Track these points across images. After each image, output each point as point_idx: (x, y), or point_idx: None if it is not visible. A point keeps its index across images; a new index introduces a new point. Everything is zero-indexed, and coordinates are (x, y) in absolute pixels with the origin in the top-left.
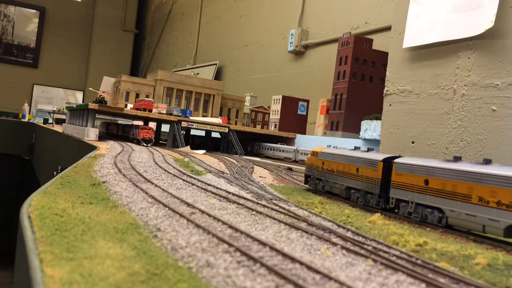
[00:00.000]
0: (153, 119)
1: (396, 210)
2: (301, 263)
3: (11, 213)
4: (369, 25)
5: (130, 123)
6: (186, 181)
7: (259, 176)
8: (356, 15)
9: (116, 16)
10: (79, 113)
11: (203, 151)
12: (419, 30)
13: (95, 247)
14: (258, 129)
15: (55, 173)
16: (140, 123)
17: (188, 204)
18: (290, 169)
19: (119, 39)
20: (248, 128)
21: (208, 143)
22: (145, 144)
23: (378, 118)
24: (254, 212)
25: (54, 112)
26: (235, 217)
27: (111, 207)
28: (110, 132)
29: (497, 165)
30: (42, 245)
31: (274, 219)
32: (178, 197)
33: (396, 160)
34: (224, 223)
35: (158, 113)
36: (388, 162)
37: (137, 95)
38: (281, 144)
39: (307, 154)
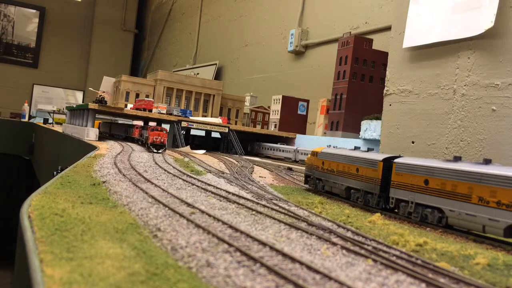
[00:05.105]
0: (153, 119)
1: (396, 210)
2: (301, 263)
3: (11, 213)
4: (369, 25)
5: (130, 122)
6: (186, 181)
7: (259, 176)
8: (356, 15)
9: (116, 16)
10: (79, 113)
11: (203, 151)
12: (419, 30)
13: (95, 247)
14: (258, 129)
15: (55, 173)
16: (140, 123)
17: (188, 204)
18: (290, 169)
19: (119, 39)
20: (248, 128)
21: (208, 143)
22: (155, 151)
23: (378, 118)
24: (254, 212)
25: (54, 112)
26: (235, 217)
27: (111, 207)
28: (130, 136)
29: (497, 165)
30: (42, 245)
31: (274, 219)
32: (178, 197)
33: (396, 160)
34: (224, 223)
35: (158, 113)
36: (388, 162)
37: (137, 95)
38: (281, 144)
39: (307, 154)
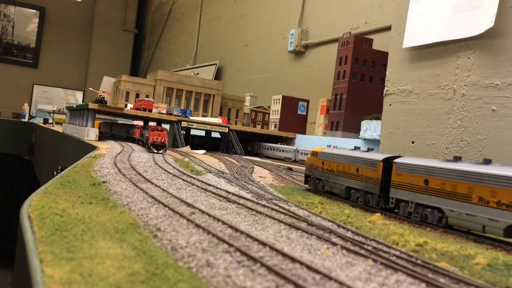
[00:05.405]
0: (153, 119)
1: (396, 210)
2: (301, 263)
3: (11, 213)
4: (369, 25)
5: (130, 122)
6: (186, 181)
7: (259, 176)
8: (356, 15)
9: (116, 16)
10: (79, 113)
11: (203, 151)
12: (419, 30)
13: (95, 247)
14: (258, 129)
15: (55, 173)
16: (140, 123)
17: (188, 204)
18: (290, 169)
19: (119, 39)
20: (248, 128)
21: (208, 143)
22: (156, 151)
23: (378, 118)
24: (254, 212)
25: (54, 112)
26: (235, 217)
27: (111, 207)
28: (131, 136)
29: (497, 165)
30: (42, 245)
31: (274, 219)
32: (178, 197)
33: (396, 160)
34: (224, 223)
35: (158, 113)
36: (388, 162)
37: (137, 95)
38: (281, 144)
39: (307, 154)
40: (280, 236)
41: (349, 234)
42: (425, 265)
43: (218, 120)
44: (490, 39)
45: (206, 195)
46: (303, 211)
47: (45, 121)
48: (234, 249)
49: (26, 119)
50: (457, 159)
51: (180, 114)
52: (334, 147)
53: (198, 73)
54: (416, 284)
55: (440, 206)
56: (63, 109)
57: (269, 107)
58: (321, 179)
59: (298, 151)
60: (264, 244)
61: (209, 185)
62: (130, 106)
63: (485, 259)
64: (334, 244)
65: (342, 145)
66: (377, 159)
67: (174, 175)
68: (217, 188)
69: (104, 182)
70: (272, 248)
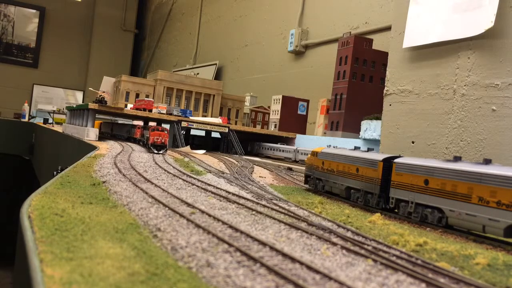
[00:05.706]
0: (153, 119)
1: (396, 210)
2: (301, 263)
3: (11, 213)
4: (369, 25)
5: (130, 122)
6: (186, 181)
7: (259, 176)
8: (356, 15)
9: (116, 16)
10: (79, 113)
11: (203, 151)
12: (419, 30)
13: (95, 247)
14: (258, 129)
15: (55, 173)
16: (140, 123)
17: (188, 204)
18: (290, 169)
19: (119, 39)
20: (248, 128)
21: (208, 143)
22: (156, 152)
23: (378, 118)
24: (254, 212)
25: (54, 112)
26: (235, 217)
27: (111, 207)
28: (132, 136)
29: (497, 165)
30: (42, 245)
31: (274, 219)
32: (178, 197)
33: (396, 160)
34: (224, 223)
35: (158, 113)
36: (388, 162)
37: (137, 95)
38: (281, 144)
39: (307, 154)
40: (280, 236)
41: (349, 234)
42: (425, 265)
43: (218, 120)
44: (490, 39)
45: (206, 195)
46: (303, 211)
47: (45, 121)
48: (234, 249)
49: (26, 119)
50: (457, 159)
51: (180, 114)
52: (334, 147)
53: (198, 73)
54: (416, 284)
55: (440, 206)
56: (63, 109)
57: (269, 107)
58: (321, 179)
59: (298, 151)
60: (264, 244)
61: (209, 185)
62: (130, 106)
63: (485, 259)
64: (334, 244)
65: (342, 145)
66: (377, 159)
67: (174, 175)
68: (217, 188)
69: (104, 182)
70: (272, 248)
